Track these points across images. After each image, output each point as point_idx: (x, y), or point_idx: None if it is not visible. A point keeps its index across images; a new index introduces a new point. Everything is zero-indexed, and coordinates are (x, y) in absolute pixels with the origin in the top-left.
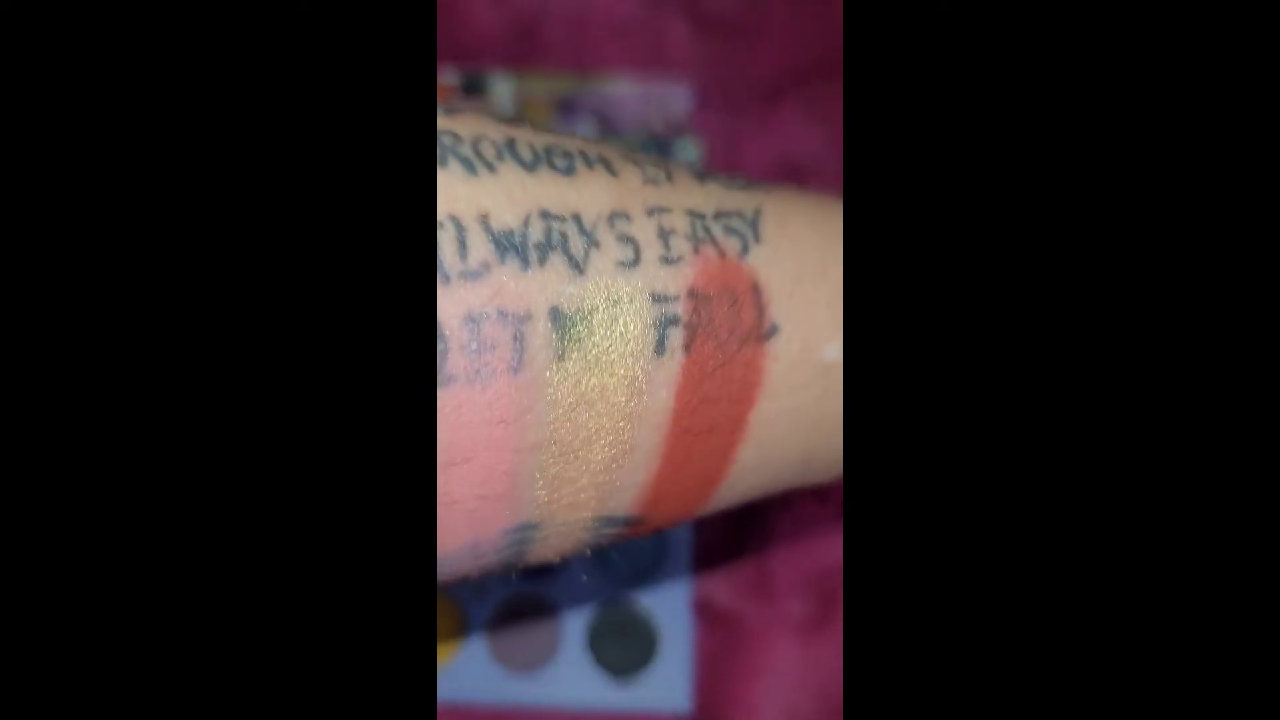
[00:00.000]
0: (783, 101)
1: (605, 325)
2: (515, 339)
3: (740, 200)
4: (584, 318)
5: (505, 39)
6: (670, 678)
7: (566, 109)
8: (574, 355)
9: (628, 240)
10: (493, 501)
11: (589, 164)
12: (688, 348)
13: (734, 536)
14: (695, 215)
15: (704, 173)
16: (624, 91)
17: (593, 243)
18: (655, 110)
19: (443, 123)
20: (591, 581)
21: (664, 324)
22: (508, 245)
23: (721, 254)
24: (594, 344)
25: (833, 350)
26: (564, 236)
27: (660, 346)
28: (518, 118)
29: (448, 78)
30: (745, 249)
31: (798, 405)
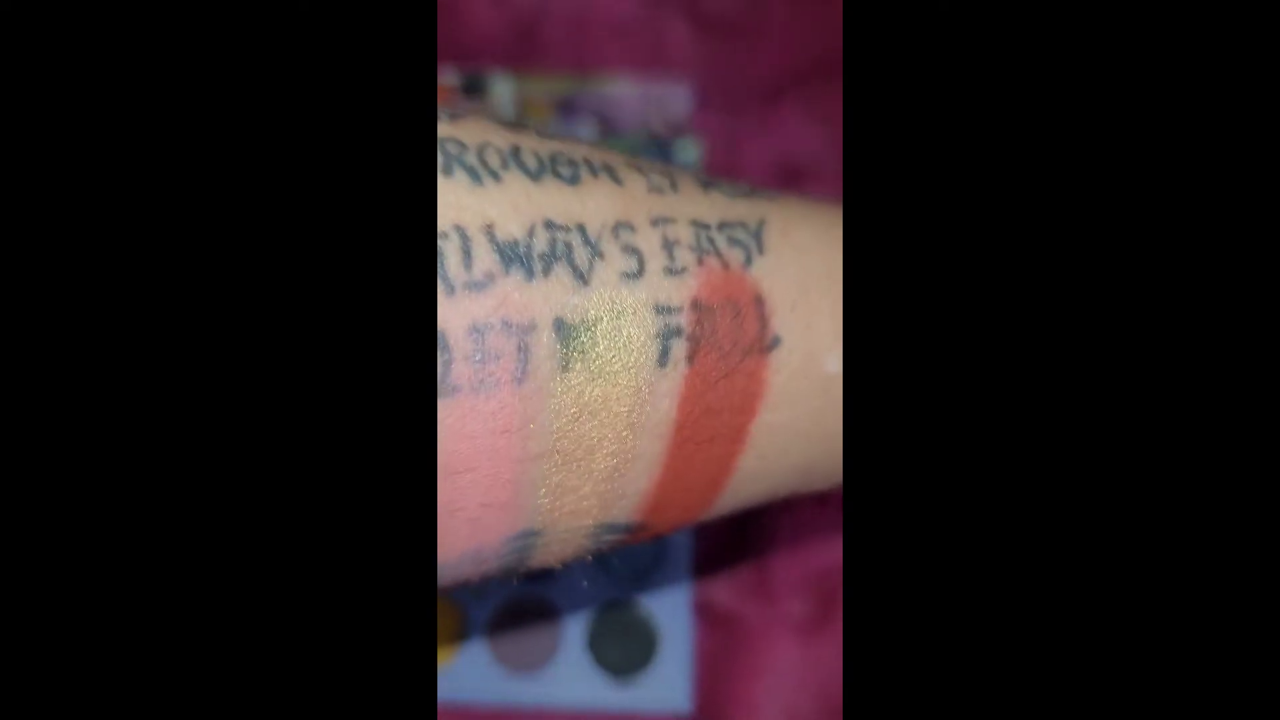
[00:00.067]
0: (783, 102)
1: (609, 336)
2: (519, 349)
3: (744, 210)
4: (588, 329)
5: (505, 39)
6: (670, 678)
7: (566, 109)
8: (578, 366)
9: (632, 251)
10: (496, 509)
11: (594, 172)
12: (691, 359)
13: (734, 537)
14: (699, 225)
15: (708, 180)
16: (624, 92)
17: (597, 254)
18: (655, 110)
19: (447, 129)
20: (592, 583)
21: (667, 335)
22: (513, 256)
23: (725, 265)
24: (598, 355)
25: (834, 361)
26: (569, 247)
27: (663, 358)
28: (520, 121)
29: (448, 78)
30: (749, 260)
31: (799, 416)
